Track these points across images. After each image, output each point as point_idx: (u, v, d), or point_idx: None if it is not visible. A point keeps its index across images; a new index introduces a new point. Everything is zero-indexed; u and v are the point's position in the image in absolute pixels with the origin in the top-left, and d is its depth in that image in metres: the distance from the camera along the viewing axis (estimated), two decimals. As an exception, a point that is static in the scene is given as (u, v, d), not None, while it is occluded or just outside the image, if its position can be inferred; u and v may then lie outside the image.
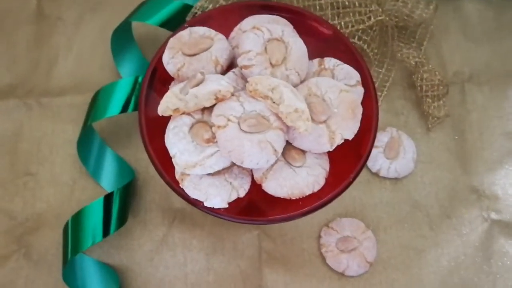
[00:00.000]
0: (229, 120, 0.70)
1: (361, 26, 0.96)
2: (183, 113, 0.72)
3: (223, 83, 0.70)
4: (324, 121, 0.67)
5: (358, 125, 0.73)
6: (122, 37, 1.01)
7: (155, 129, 0.72)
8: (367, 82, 0.73)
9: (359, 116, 0.73)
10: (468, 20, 1.04)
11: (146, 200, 0.92)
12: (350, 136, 0.68)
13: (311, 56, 0.77)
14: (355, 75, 0.78)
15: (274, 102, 0.70)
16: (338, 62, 0.78)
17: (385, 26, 0.98)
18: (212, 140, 0.71)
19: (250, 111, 0.71)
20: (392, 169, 0.92)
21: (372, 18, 0.96)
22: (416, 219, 0.89)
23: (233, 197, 0.69)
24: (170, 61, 0.76)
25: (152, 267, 0.86)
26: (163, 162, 0.72)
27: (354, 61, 0.73)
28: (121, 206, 0.87)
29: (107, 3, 1.05)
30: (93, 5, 1.05)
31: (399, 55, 1.00)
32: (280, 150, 0.70)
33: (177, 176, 0.74)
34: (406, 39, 1.04)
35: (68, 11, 1.04)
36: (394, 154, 0.93)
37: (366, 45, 0.96)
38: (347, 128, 0.67)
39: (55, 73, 1.01)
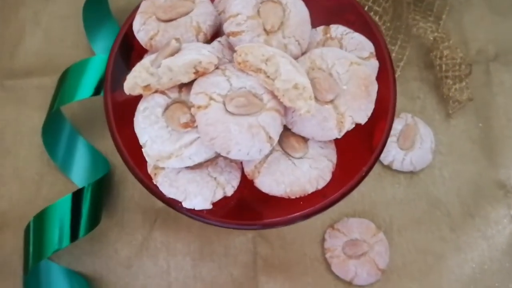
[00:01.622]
0: (211, 98, 0.53)
1: None
2: (156, 91, 0.55)
3: (205, 53, 0.53)
4: (331, 101, 0.52)
5: (372, 105, 0.57)
6: (96, 9, 0.87)
7: (125, 113, 0.61)
8: (382, 55, 0.57)
9: (374, 95, 0.56)
10: (494, -10, 0.89)
11: (124, 197, 0.82)
12: (362, 120, 0.51)
13: (314, 24, 0.60)
14: (368, 46, 0.61)
15: (268, 76, 0.53)
16: (348, 30, 0.61)
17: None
18: (191, 124, 0.54)
19: (239, 88, 0.54)
20: (407, 161, 0.82)
21: (385, -14, 0.79)
22: (435, 219, 0.79)
23: (219, 196, 0.58)
24: (142, 28, 0.59)
25: (131, 276, 0.76)
26: (134, 153, 0.59)
27: (367, 31, 0.57)
28: (93, 205, 0.77)
29: None
30: None
31: (415, 29, 0.84)
32: (276, 137, 0.53)
33: (149, 170, 0.57)
34: (422, 12, 0.86)
35: None
36: (409, 144, 0.82)
37: (377, 17, 0.78)
38: (359, 109, 0.51)
39: (20, 52, 0.89)
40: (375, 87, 0.59)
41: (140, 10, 0.63)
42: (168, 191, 0.58)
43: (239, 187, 0.59)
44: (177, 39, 0.55)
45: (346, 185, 0.60)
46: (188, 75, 0.56)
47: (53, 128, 0.79)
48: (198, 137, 0.56)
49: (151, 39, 0.61)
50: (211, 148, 0.56)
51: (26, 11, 0.90)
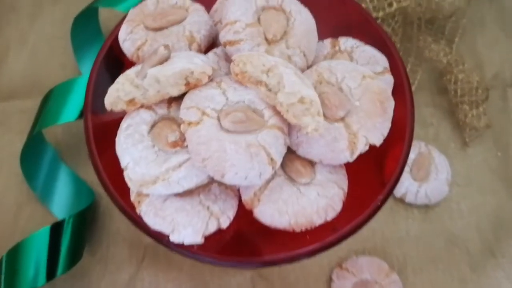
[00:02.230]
0: (204, 114, 0.45)
1: (380, 14, 0.73)
2: (142, 107, 0.47)
3: (197, 62, 0.45)
4: (342, 119, 0.43)
5: (388, 124, 0.49)
6: (85, 27, 0.80)
7: (108, 137, 0.53)
8: (397, 70, 0.50)
9: (390, 112, 0.48)
10: (507, 12, 0.86)
11: (109, 231, 0.73)
12: (378, 141, 0.43)
13: (321, 37, 0.52)
14: (381, 60, 0.54)
15: (269, 89, 0.45)
16: (358, 42, 0.54)
17: (409, 16, 0.74)
18: (180, 143, 0.46)
19: (236, 102, 0.46)
20: (422, 194, 0.74)
21: (395, 4, 0.72)
22: (453, 258, 0.71)
23: (212, 228, 0.51)
24: (128, 37, 0.51)
25: (115, 320, 0.67)
26: (117, 181, 0.51)
27: (380, 44, 0.48)
28: (74, 239, 0.68)
29: None
30: None
31: (426, 52, 0.77)
32: (278, 160, 0.45)
33: (132, 198, 0.48)
34: (433, 35, 0.79)
35: (23, 1, 0.89)
36: (424, 175, 0.75)
37: (387, 38, 0.70)
38: (373, 128, 0.43)
39: (4, 72, 0.83)
40: (391, 103, 0.51)
41: (127, 18, 0.56)
42: (153, 222, 0.49)
43: (235, 218, 0.52)
44: (166, 46, 0.47)
45: (360, 216, 0.50)
46: (178, 87, 0.48)
47: (33, 153, 0.72)
48: (189, 159, 0.48)
49: (138, 49, 0.53)
50: (203, 171, 0.47)
51: (11, 30, 0.85)
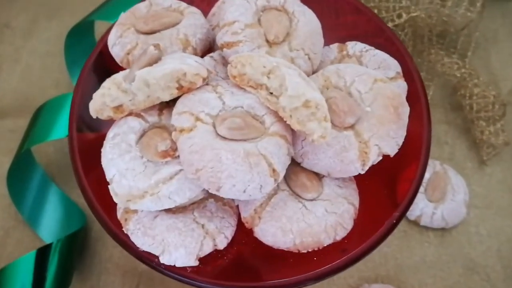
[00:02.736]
0: (198, 119, 0.39)
1: (389, 25, 0.66)
2: (130, 114, 0.41)
3: (191, 63, 0.40)
4: (351, 126, 0.37)
5: (403, 132, 0.43)
6: (80, 41, 0.76)
7: (96, 155, 0.47)
8: (410, 77, 0.42)
9: (405, 119, 0.43)
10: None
11: (101, 257, 0.68)
12: (392, 150, 0.38)
13: (328, 41, 0.47)
14: (393, 65, 0.49)
15: (271, 93, 0.40)
16: (368, 47, 0.49)
17: (419, 29, 0.69)
18: (171, 153, 0.40)
19: (233, 107, 0.41)
20: (438, 216, 0.69)
21: (404, 15, 0.67)
22: (473, 286, 0.65)
23: (207, 249, 0.46)
24: (117, 42, 0.46)
25: None
26: (105, 199, 0.46)
27: (394, 51, 0.42)
28: (62, 265, 0.63)
29: (66, 8, 0.78)
30: (49, 10, 0.87)
31: (439, 66, 0.72)
32: (281, 171, 0.40)
33: (119, 216, 0.43)
34: (445, 49, 0.73)
35: (18, 17, 0.87)
36: (440, 196, 0.70)
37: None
38: (387, 136, 0.38)
39: None
40: (406, 109, 0.45)
41: (117, 22, 0.51)
42: (141, 242, 0.43)
43: (234, 238, 0.44)
44: (156, 46, 0.42)
45: (373, 236, 0.44)
46: (169, 91, 0.43)
47: (21, 174, 0.68)
48: (181, 170, 0.42)
49: (128, 53, 0.49)
50: (197, 185, 0.42)
51: (5, 47, 0.83)
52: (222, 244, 0.45)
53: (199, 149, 0.40)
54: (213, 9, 0.54)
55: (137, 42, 0.48)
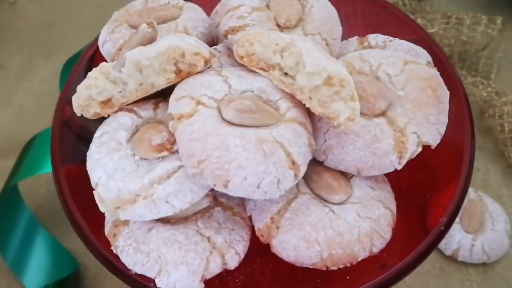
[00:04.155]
0: (199, 103, 0.32)
1: None
2: (121, 110, 0.34)
3: (190, 41, 0.32)
4: (383, 113, 0.28)
5: (445, 118, 0.37)
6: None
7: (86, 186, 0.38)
8: (444, 69, 0.35)
9: (446, 103, 0.35)
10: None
11: None
12: (434, 139, 0.31)
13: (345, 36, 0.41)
14: (423, 54, 0.42)
15: (286, 73, 0.32)
16: (391, 37, 0.42)
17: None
18: (168, 147, 0.32)
19: (242, 91, 0.33)
20: (478, 249, 0.61)
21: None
22: None
23: (215, 268, 0.36)
24: (108, 38, 0.40)
25: None
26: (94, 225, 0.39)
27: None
28: None
29: (63, 49, 0.73)
30: (46, 51, 0.84)
31: (462, 85, 0.63)
32: (302, 164, 0.32)
33: (107, 231, 0.34)
34: (466, 72, 0.67)
35: (13, 58, 0.84)
36: (477, 225, 0.62)
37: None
38: (426, 122, 0.30)
39: None
40: (445, 92, 0.38)
41: (111, 19, 0.45)
42: (133, 261, 0.35)
43: (247, 256, 0.35)
44: (150, 23, 0.36)
45: (418, 246, 0.35)
46: (165, 76, 0.35)
47: (6, 213, 0.63)
48: (180, 167, 0.34)
49: (120, 49, 0.42)
50: (200, 185, 0.33)
51: None
52: (232, 262, 0.36)
53: (201, 136, 0.32)
54: (217, 7, 0.48)
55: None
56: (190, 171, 0.33)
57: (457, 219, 0.60)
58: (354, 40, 0.46)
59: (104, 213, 0.39)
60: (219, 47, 0.43)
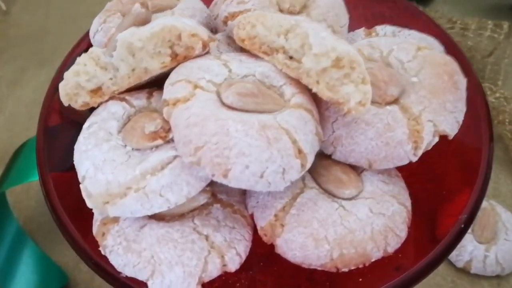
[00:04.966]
0: (197, 86, 0.29)
1: None
2: (112, 98, 0.31)
3: (187, 22, 0.30)
4: (395, 100, 0.24)
5: (463, 106, 0.34)
6: None
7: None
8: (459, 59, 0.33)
9: (463, 90, 0.33)
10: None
11: None
12: (451, 128, 0.28)
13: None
14: (435, 44, 0.40)
15: (290, 56, 0.29)
16: (400, 28, 0.39)
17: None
18: (162, 135, 0.29)
19: (243, 75, 0.30)
20: (491, 260, 0.58)
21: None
22: None
23: (214, 270, 0.33)
24: (100, 28, 0.37)
25: None
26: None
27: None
28: None
29: (57, 59, 0.69)
30: (39, 60, 0.81)
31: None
32: (309, 153, 0.29)
33: (95, 231, 0.31)
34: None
35: (5, 67, 0.81)
36: (490, 236, 0.59)
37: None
38: (442, 110, 0.28)
39: None
40: (462, 79, 0.35)
41: (102, 10, 0.42)
42: (124, 262, 0.31)
43: (248, 258, 0.32)
44: (143, 3, 0.33)
45: (435, 247, 0.32)
46: (159, 60, 0.33)
47: None
48: (175, 157, 0.31)
49: (111, 39, 0.39)
50: (197, 176, 0.30)
51: None
52: (233, 263, 0.32)
53: (199, 121, 0.29)
54: (216, -1, 0.46)
55: (123, 26, 0.39)
56: (186, 159, 0.30)
57: (469, 229, 0.57)
58: (361, 31, 0.44)
59: (92, 216, 0.36)
60: (218, 35, 0.40)
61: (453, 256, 0.59)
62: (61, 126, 0.47)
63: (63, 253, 0.61)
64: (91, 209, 0.36)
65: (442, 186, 0.41)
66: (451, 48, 0.42)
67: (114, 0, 0.43)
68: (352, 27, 0.43)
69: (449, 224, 0.37)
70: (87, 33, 0.44)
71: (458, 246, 0.49)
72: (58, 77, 0.46)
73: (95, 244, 0.34)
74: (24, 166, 0.57)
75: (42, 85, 0.78)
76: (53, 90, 0.46)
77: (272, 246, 0.34)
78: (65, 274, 0.58)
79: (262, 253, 0.35)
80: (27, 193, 0.66)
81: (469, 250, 0.58)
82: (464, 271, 0.58)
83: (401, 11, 0.47)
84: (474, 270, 0.57)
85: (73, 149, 0.35)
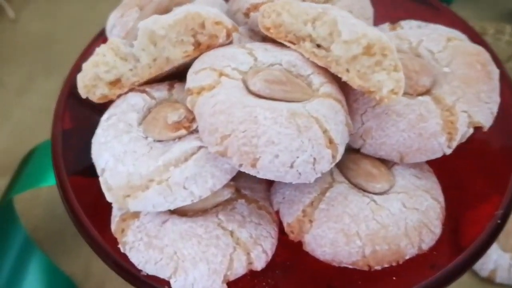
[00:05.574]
0: (222, 74, 0.28)
1: None
2: (132, 90, 0.30)
3: (211, 10, 0.29)
4: (427, 91, 0.23)
5: (497, 97, 0.32)
6: None
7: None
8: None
9: (497, 81, 0.31)
10: None
11: None
12: (486, 119, 0.27)
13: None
14: (463, 37, 0.37)
15: (318, 44, 0.28)
16: (426, 23, 0.38)
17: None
18: (186, 125, 0.28)
19: (269, 64, 0.29)
20: None
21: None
22: None
23: (240, 268, 0.31)
24: (117, 23, 0.36)
25: None
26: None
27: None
28: None
29: (64, 66, 0.70)
30: (46, 68, 0.81)
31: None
32: (340, 144, 0.28)
33: (114, 227, 0.29)
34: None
35: (13, 75, 0.80)
36: None
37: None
38: (477, 100, 0.26)
39: None
40: (495, 69, 0.34)
41: (119, 5, 0.41)
42: (145, 258, 0.30)
43: (274, 257, 0.30)
44: (166, -9, 0.32)
45: (472, 243, 0.31)
46: (182, 48, 0.32)
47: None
48: (200, 148, 0.30)
49: (129, 33, 0.38)
50: (223, 169, 0.29)
51: None
52: (259, 261, 0.31)
53: (225, 108, 0.28)
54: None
55: (141, 21, 0.39)
56: (212, 149, 0.29)
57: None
58: (385, 26, 0.43)
59: (109, 215, 0.35)
60: (241, 28, 0.39)
61: (477, 265, 0.57)
62: (71, 131, 0.46)
63: (71, 263, 0.59)
64: (108, 209, 0.35)
65: (465, 193, 0.39)
66: (478, 42, 0.41)
67: (132, -5, 0.43)
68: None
69: (476, 232, 0.36)
70: (97, 37, 0.43)
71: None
72: (70, 79, 0.45)
73: (113, 242, 0.33)
74: (34, 171, 0.56)
75: (50, 93, 0.77)
76: (66, 92, 0.45)
77: (291, 254, 0.33)
78: (73, 284, 0.57)
79: (281, 261, 0.34)
80: (35, 202, 0.64)
81: (493, 258, 0.56)
82: (488, 281, 0.56)
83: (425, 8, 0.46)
84: (499, 279, 0.56)
85: (85, 152, 0.34)
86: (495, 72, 0.34)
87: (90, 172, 0.34)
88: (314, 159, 0.28)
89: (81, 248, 0.59)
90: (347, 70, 0.31)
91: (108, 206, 0.33)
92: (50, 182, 0.54)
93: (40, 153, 0.57)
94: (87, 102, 0.36)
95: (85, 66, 0.33)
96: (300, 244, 0.33)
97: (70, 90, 0.46)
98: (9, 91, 0.77)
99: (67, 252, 0.60)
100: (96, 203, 0.33)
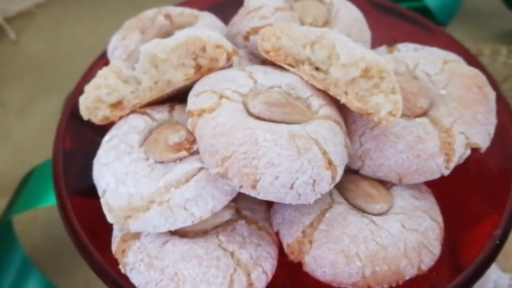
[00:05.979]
0: (223, 96, 0.28)
1: None
2: (133, 112, 0.31)
3: (211, 34, 0.30)
4: (425, 113, 0.24)
5: (494, 119, 0.33)
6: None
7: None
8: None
9: (493, 103, 0.32)
10: None
11: None
12: (483, 141, 0.29)
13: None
14: (460, 60, 0.38)
15: (317, 67, 0.29)
16: (421, 45, 0.39)
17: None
18: (186, 146, 0.28)
19: (268, 87, 0.30)
20: None
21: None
22: None
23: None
24: (119, 45, 0.37)
25: None
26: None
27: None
28: None
29: (65, 88, 0.73)
30: (47, 89, 0.81)
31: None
32: (339, 165, 0.29)
33: (114, 248, 0.30)
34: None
35: (13, 95, 0.81)
36: None
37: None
38: (474, 122, 0.28)
39: None
40: (491, 91, 0.34)
41: (121, 28, 0.42)
42: (145, 279, 0.30)
43: (274, 278, 0.30)
44: (168, 16, 0.33)
45: (470, 265, 0.31)
46: (183, 71, 0.33)
47: None
48: (200, 169, 0.30)
49: (130, 56, 0.39)
50: (223, 190, 0.30)
51: None
52: (260, 282, 0.31)
53: (226, 130, 0.29)
54: (234, 18, 0.46)
55: (143, 43, 0.39)
56: (213, 171, 0.29)
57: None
58: (382, 49, 0.44)
59: (109, 237, 0.35)
60: (241, 51, 0.40)
61: (477, 285, 0.57)
62: (72, 151, 0.46)
63: (69, 282, 0.59)
64: (107, 229, 0.35)
65: (464, 213, 0.39)
66: (474, 64, 0.42)
67: (132, 19, 0.44)
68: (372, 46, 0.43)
69: (475, 251, 0.36)
70: (99, 59, 0.44)
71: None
72: (72, 100, 0.46)
73: (113, 263, 0.33)
74: (34, 191, 0.56)
75: (49, 115, 0.78)
76: (68, 113, 0.45)
77: (291, 275, 0.33)
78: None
79: (281, 282, 0.34)
80: (34, 223, 0.64)
81: (493, 279, 0.56)
82: (488, 302, 0.56)
83: (422, 30, 0.47)
84: (499, 302, 0.56)
85: (86, 173, 0.35)
86: (492, 94, 0.35)
87: (90, 192, 0.35)
88: (314, 180, 0.29)
89: (80, 268, 0.59)
90: (346, 93, 0.31)
91: (108, 226, 0.33)
92: (49, 203, 0.54)
93: (40, 173, 0.58)
94: (88, 123, 0.37)
95: (87, 88, 0.34)
96: (300, 265, 0.33)
97: (71, 111, 0.46)
98: (10, 112, 0.76)
99: (65, 272, 0.60)
100: (96, 223, 0.34)
